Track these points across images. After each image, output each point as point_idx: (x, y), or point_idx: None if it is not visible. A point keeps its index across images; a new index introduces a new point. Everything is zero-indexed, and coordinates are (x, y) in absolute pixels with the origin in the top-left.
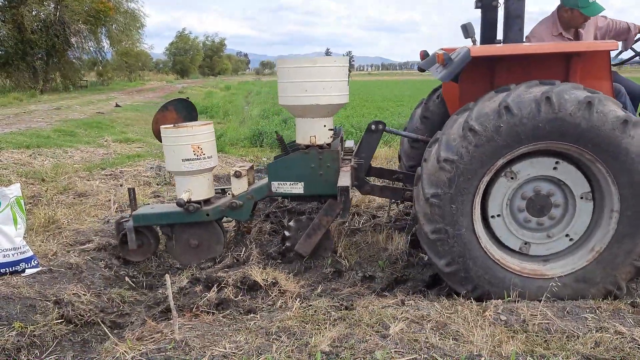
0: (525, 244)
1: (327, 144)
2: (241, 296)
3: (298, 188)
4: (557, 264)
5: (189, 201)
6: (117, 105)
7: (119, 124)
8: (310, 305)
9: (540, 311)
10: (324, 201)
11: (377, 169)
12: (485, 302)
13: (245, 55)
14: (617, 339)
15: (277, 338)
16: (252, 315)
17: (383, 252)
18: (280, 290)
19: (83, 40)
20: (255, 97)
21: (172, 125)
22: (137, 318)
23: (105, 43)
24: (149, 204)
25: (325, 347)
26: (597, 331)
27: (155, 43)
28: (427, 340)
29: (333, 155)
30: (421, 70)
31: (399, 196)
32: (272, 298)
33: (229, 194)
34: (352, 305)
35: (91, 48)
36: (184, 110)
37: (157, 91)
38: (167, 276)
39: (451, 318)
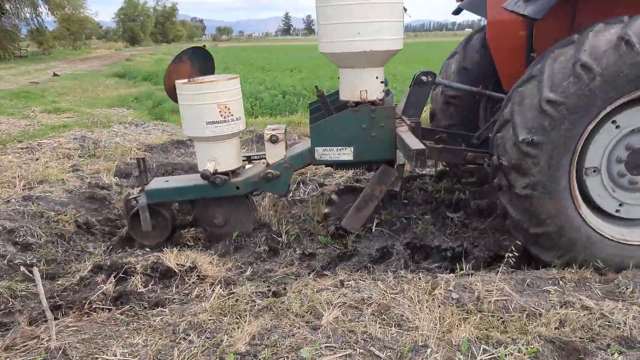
0: (620, 205)
1: (380, 100)
2: (152, 285)
3: (346, 154)
4: None
5: (215, 172)
6: (54, 75)
7: (52, 94)
8: (232, 293)
9: (497, 286)
10: (375, 168)
11: None
12: (436, 277)
13: (201, 21)
14: (584, 315)
15: (185, 337)
16: (159, 309)
17: (328, 225)
18: (199, 276)
19: (18, 6)
20: None
21: (188, 80)
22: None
23: (44, 8)
24: (160, 177)
25: (242, 346)
26: (561, 307)
27: (103, 10)
28: (365, 330)
29: (387, 112)
30: (457, 12)
31: (460, 158)
32: (189, 286)
33: (263, 162)
34: (284, 289)
35: (27, 14)
36: (200, 61)
37: (103, 59)
38: (35, 270)
39: (396, 300)
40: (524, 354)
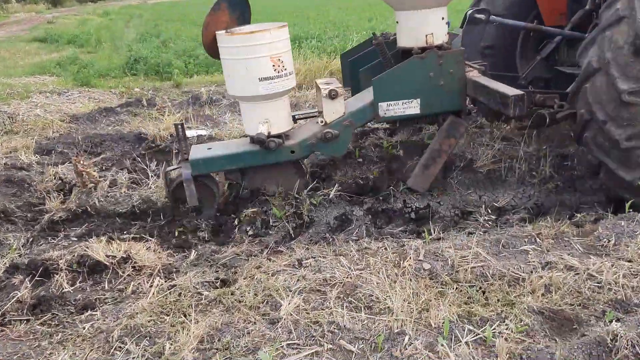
0: None
1: (447, 44)
2: (79, 283)
3: (413, 107)
4: None
5: (269, 135)
6: None
7: None
8: (174, 285)
9: (471, 251)
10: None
11: None
12: (403, 245)
13: None
14: (570, 277)
15: (121, 346)
16: (88, 313)
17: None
18: (135, 267)
19: None
20: (137, 20)
21: (226, 30)
22: None
23: None
24: (199, 144)
25: (188, 353)
26: (543, 268)
27: None
28: (331, 319)
29: (457, 57)
30: None
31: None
32: (123, 281)
33: (319, 121)
34: (234, 274)
35: None
36: (238, 9)
37: (22, 24)
38: None
39: (362, 277)
40: (513, 332)
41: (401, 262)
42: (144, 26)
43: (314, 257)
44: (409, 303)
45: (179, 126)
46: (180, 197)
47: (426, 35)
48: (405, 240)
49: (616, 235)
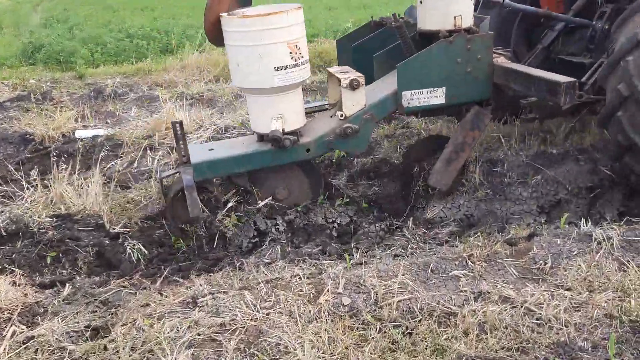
0: None
1: (475, 27)
2: None
3: (438, 96)
4: None
5: (283, 133)
6: None
7: None
8: (32, 338)
9: (397, 280)
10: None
11: None
12: (321, 273)
13: None
14: (506, 312)
15: None
16: None
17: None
18: None
19: None
20: (48, 3)
21: (228, 13)
22: None
23: None
24: (198, 144)
25: None
26: (477, 300)
27: None
28: None
29: (486, 42)
30: None
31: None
32: None
33: (337, 115)
34: (113, 318)
35: None
36: None
37: None
38: None
39: (270, 319)
40: None
41: (318, 296)
42: (53, 10)
43: (213, 293)
44: (323, 353)
45: (177, 124)
46: (180, 207)
47: (454, 17)
48: (325, 262)
49: (552, 257)
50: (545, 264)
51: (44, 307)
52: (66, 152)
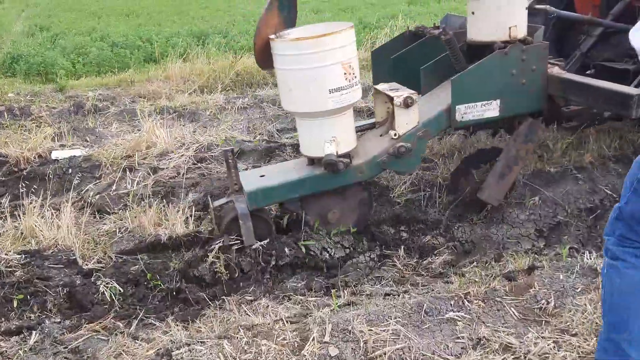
0: None
1: (529, 37)
2: None
3: (492, 109)
4: None
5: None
6: None
7: None
8: None
9: (389, 328)
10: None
11: None
12: (306, 317)
13: None
14: None
15: None
16: None
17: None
18: None
19: None
20: (34, 10)
21: (276, 35)
22: None
23: None
24: (246, 170)
25: None
26: (475, 348)
27: None
28: None
29: (540, 52)
30: None
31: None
32: None
33: (391, 134)
34: None
35: None
36: (286, 8)
37: None
38: None
39: None
40: None
41: (303, 345)
42: (37, 17)
43: (190, 344)
44: None
45: (229, 152)
46: (234, 235)
47: (509, 28)
48: (311, 300)
49: (556, 295)
50: (548, 303)
51: (8, 358)
52: (41, 175)
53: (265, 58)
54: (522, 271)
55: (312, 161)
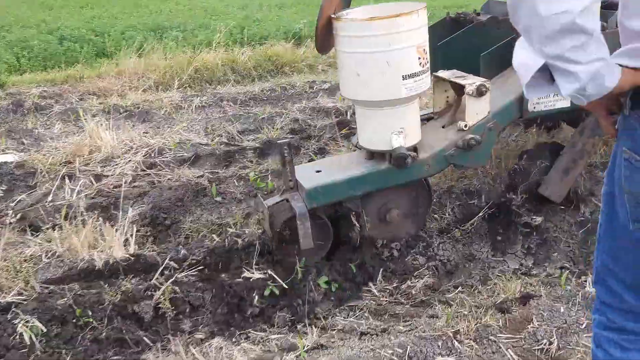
0: None
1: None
2: None
3: (564, 99)
4: None
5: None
6: None
7: None
8: None
9: None
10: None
11: None
12: None
13: None
14: None
15: None
16: None
17: None
18: None
19: None
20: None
21: (336, 15)
22: None
23: None
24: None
25: None
26: None
27: None
28: None
29: (613, 40)
30: None
31: None
32: None
33: (460, 126)
34: None
35: None
36: None
37: None
38: None
39: None
40: None
41: None
42: None
43: None
44: None
45: (285, 146)
46: (286, 237)
47: None
48: (273, 337)
49: (558, 333)
50: (551, 343)
51: None
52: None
53: (326, 40)
54: (516, 300)
55: (372, 155)
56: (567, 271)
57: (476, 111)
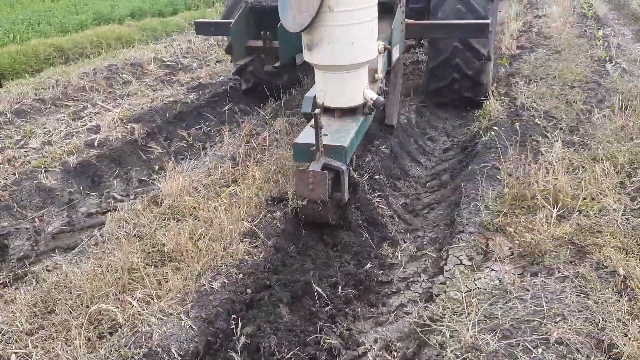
0: None
1: None
2: None
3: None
4: None
5: None
6: None
7: None
8: None
9: None
10: None
11: None
12: None
13: None
14: None
15: None
16: None
17: None
18: None
19: None
20: None
21: None
22: None
23: None
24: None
25: None
26: None
27: None
28: None
29: None
30: None
31: None
32: None
33: None
34: None
35: None
36: None
37: None
38: None
39: None
40: None
41: None
42: None
43: None
44: None
45: (317, 115)
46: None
47: None
48: None
49: None
50: None
51: None
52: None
53: None
54: None
55: (343, 112)
56: None
57: None
